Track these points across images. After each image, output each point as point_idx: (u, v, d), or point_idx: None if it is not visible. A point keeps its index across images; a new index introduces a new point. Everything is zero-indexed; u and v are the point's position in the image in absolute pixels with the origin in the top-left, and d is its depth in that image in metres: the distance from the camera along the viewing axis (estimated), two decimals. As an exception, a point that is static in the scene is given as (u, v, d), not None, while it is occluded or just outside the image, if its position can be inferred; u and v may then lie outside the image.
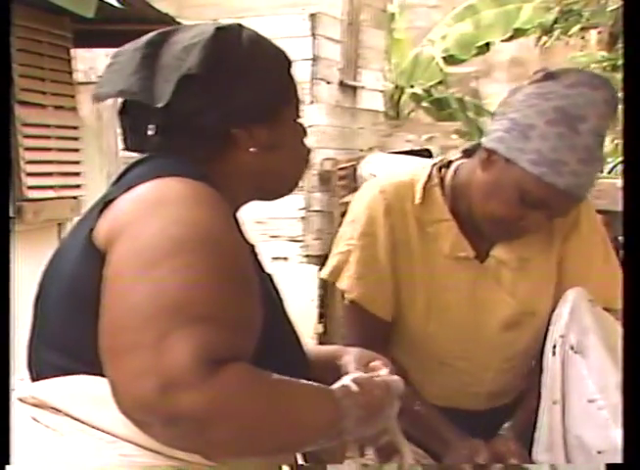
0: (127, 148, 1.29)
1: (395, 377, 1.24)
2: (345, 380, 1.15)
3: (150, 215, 1.08)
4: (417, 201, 1.73)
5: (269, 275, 1.33)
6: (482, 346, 1.77)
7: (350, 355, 1.38)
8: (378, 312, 1.76)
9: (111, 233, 1.08)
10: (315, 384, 1.11)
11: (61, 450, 1.07)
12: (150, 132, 1.23)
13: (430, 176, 1.76)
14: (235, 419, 0.98)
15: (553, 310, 1.72)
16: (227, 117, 1.23)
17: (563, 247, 1.76)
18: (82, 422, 1.07)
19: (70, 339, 1.12)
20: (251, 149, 1.25)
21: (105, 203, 1.14)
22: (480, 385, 1.81)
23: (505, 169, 1.59)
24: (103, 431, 1.06)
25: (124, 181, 1.18)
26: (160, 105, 1.17)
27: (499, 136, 1.60)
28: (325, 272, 1.83)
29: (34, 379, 1.17)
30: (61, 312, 1.15)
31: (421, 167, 1.79)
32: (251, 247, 1.28)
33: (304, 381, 1.09)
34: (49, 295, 1.18)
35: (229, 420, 0.97)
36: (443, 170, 1.78)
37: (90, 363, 1.04)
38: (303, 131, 1.35)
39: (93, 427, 1.06)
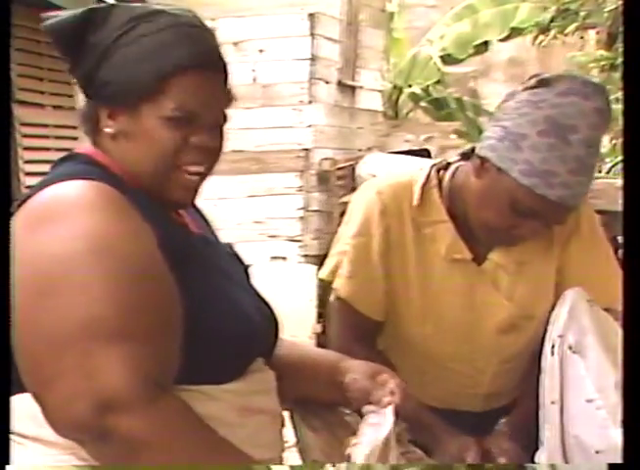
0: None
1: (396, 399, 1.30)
2: None
3: (36, 236, 1.07)
4: (415, 202, 1.72)
5: (229, 244, 1.34)
6: (479, 348, 1.76)
7: (355, 372, 1.38)
8: (366, 311, 1.76)
9: None
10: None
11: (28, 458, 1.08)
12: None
13: (428, 178, 1.75)
14: (167, 447, 0.97)
15: (552, 311, 1.71)
16: (95, 90, 1.26)
17: (563, 251, 1.76)
18: (31, 438, 1.08)
19: None
20: (107, 129, 1.24)
21: None
22: (477, 387, 1.80)
23: (497, 178, 1.59)
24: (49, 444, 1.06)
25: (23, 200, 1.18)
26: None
27: (492, 144, 1.60)
28: (323, 273, 1.83)
29: None
30: None
31: (419, 169, 1.78)
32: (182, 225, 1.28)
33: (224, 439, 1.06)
34: None
35: (162, 447, 0.97)
36: (441, 172, 1.77)
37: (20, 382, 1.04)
38: (210, 149, 1.27)
39: (40, 441, 1.07)
